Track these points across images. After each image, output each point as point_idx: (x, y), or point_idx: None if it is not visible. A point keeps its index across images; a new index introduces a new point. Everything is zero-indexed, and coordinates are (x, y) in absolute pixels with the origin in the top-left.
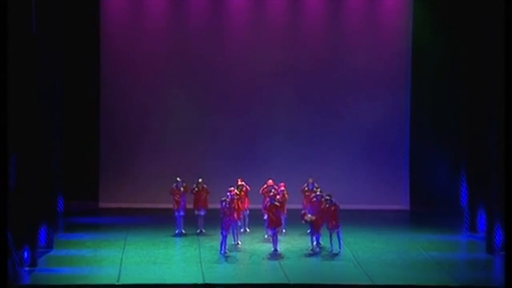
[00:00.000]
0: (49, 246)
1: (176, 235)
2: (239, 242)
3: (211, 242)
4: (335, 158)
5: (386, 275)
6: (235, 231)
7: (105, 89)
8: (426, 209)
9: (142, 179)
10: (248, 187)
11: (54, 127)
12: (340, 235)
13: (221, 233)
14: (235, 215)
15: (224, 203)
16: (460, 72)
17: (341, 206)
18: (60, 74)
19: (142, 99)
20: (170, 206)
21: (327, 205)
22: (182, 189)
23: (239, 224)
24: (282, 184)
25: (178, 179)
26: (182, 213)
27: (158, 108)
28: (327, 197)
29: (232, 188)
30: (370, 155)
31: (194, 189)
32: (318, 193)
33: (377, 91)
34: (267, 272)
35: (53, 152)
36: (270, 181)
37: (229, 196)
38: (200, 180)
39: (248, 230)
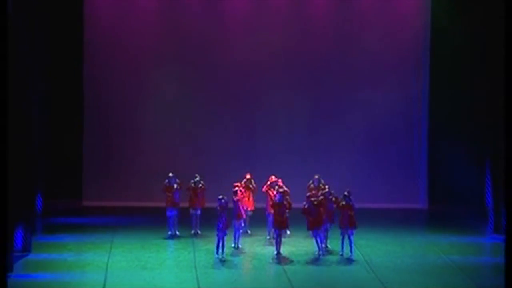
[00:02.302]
0: (26, 249)
1: (168, 237)
2: (239, 246)
3: (207, 245)
4: (344, 152)
5: (402, 281)
6: (237, 233)
7: (89, 81)
8: (446, 208)
9: (130, 174)
10: (254, 185)
11: (31, 120)
12: (352, 238)
13: (217, 234)
14: (241, 214)
15: (223, 201)
16: (485, 59)
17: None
18: (40, 66)
19: (129, 91)
20: (162, 204)
21: (343, 203)
22: (176, 185)
23: (242, 225)
24: (279, 180)
25: (170, 174)
26: (175, 212)
27: (148, 100)
28: (346, 194)
29: (238, 184)
30: (384, 148)
31: (190, 185)
32: (326, 190)
33: (391, 79)
34: (270, 278)
35: (30, 146)
36: (273, 177)
37: (237, 193)
38: (197, 176)
39: (249, 232)
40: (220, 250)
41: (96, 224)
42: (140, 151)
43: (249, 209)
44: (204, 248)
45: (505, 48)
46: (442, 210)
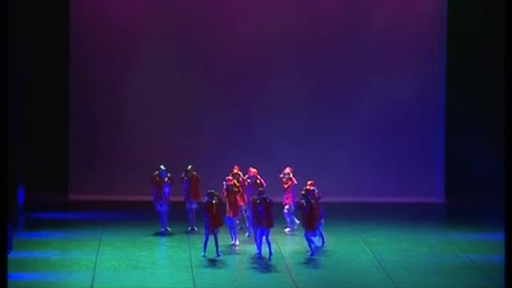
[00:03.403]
0: (7, 247)
1: (161, 234)
2: (237, 243)
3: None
4: (352, 142)
5: (416, 282)
6: (232, 230)
7: (76, 67)
8: (464, 203)
9: (120, 166)
10: (244, 178)
11: (11, 106)
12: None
13: (205, 233)
14: (231, 212)
15: (208, 197)
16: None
17: (361, 199)
18: (22, 50)
19: (118, 79)
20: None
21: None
22: (166, 179)
23: (237, 222)
24: (253, 170)
25: (162, 167)
26: (165, 208)
27: (138, 88)
28: (303, 193)
29: (230, 178)
30: (396, 138)
31: (183, 177)
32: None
33: (403, 63)
34: (272, 279)
35: (9, 134)
36: (288, 169)
37: (226, 187)
38: (189, 167)
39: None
40: (205, 250)
41: (83, 220)
42: (131, 141)
43: (241, 204)
44: (200, 245)
45: (505, 48)
46: (460, 204)
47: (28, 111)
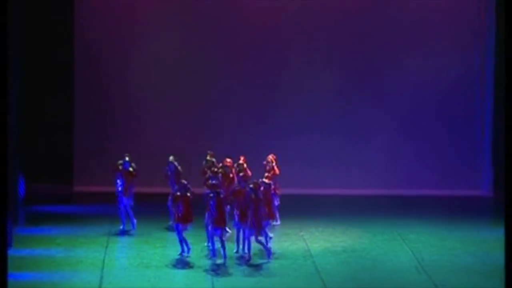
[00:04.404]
0: (6, 244)
1: (170, 228)
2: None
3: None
4: (387, 129)
5: (461, 284)
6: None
7: (82, 50)
8: None
9: (132, 155)
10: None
11: (10, 89)
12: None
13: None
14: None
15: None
16: None
17: (397, 192)
18: (22, 29)
19: (127, 63)
20: (166, 190)
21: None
22: (131, 169)
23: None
24: (242, 158)
25: (126, 158)
26: (126, 202)
27: (148, 73)
28: (251, 187)
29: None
30: (437, 125)
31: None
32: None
33: (446, 41)
34: (299, 280)
35: (8, 120)
36: (270, 157)
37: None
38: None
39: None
40: (185, 248)
41: (89, 213)
42: (140, 128)
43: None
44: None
45: (505, 47)
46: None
47: (29, 97)
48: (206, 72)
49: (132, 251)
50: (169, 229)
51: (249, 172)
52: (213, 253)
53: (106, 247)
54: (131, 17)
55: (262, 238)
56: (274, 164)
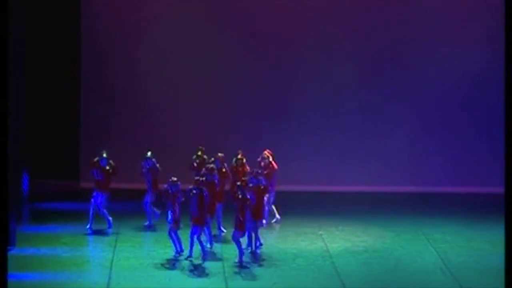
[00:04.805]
0: (9, 243)
1: (88, 232)
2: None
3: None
4: (410, 125)
5: (488, 286)
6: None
7: (89, 37)
8: None
9: (139, 149)
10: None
11: (14, 84)
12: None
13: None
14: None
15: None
16: None
17: (421, 189)
18: (26, 21)
19: (133, 52)
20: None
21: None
22: (108, 167)
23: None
24: (240, 152)
25: (104, 154)
26: (101, 199)
27: (156, 63)
28: (238, 184)
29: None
30: (461, 120)
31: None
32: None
33: (472, 34)
34: (317, 282)
35: (12, 112)
36: (267, 152)
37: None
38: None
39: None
40: (178, 249)
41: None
42: (150, 122)
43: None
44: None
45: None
46: None
47: (36, 92)
48: (222, 67)
49: (142, 251)
50: (146, 229)
51: (248, 168)
52: (190, 252)
53: (115, 246)
54: (141, 11)
55: (244, 239)
56: (271, 159)
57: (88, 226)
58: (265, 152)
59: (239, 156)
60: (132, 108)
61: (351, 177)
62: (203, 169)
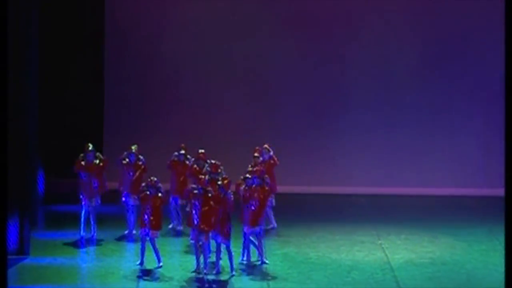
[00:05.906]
0: (22, 251)
1: (80, 240)
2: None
3: (284, 248)
4: (482, 123)
5: None
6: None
7: (112, 34)
8: None
9: (165, 146)
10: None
11: (29, 77)
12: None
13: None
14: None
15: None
16: None
17: (497, 192)
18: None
19: (161, 43)
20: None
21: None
22: (97, 161)
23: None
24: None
25: (90, 147)
26: (91, 203)
27: (185, 52)
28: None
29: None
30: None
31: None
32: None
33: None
34: None
35: (27, 106)
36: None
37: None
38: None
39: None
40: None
41: (121, 214)
42: (176, 118)
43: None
44: (279, 252)
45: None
46: None
47: (56, 88)
48: (261, 64)
49: (173, 261)
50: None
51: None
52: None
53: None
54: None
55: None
56: (271, 153)
57: (126, 232)
58: (265, 145)
59: (256, 154)
60: (159, 106)
61: (415, 178)
62: (207, 180)
